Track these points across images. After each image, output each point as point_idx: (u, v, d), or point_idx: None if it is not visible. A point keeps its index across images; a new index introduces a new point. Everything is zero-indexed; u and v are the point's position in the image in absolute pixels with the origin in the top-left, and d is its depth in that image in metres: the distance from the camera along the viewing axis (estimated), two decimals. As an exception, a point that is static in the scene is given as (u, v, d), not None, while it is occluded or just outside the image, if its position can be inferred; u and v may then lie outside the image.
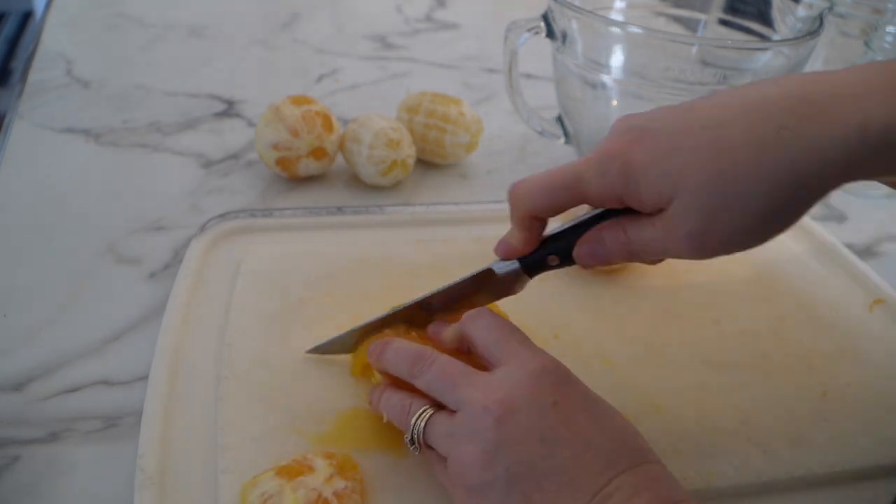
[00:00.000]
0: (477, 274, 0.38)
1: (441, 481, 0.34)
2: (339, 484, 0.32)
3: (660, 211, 0.31)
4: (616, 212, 0.34)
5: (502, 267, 0.37)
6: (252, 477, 0.33)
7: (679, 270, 0.51)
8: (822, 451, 0.38)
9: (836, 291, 0.51)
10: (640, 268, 0.51)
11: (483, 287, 0.38)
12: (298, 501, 0.31)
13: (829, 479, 0.38)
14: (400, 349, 0.36)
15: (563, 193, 0.34)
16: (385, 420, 0.35)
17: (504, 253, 0.37)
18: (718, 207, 0.30)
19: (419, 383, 0.34)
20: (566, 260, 0.36)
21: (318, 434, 0.37)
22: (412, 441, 0.34)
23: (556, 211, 0.35)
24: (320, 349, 0.41)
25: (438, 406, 0.34)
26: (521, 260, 0.37)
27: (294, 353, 0.41)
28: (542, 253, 0.36)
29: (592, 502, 0.29)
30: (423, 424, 0.33)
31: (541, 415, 0.31)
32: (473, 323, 0.36)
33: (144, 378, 0.40)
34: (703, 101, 0.32)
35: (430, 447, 0.34)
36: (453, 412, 0.33)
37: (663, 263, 0.50)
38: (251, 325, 0.43)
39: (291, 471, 0.32)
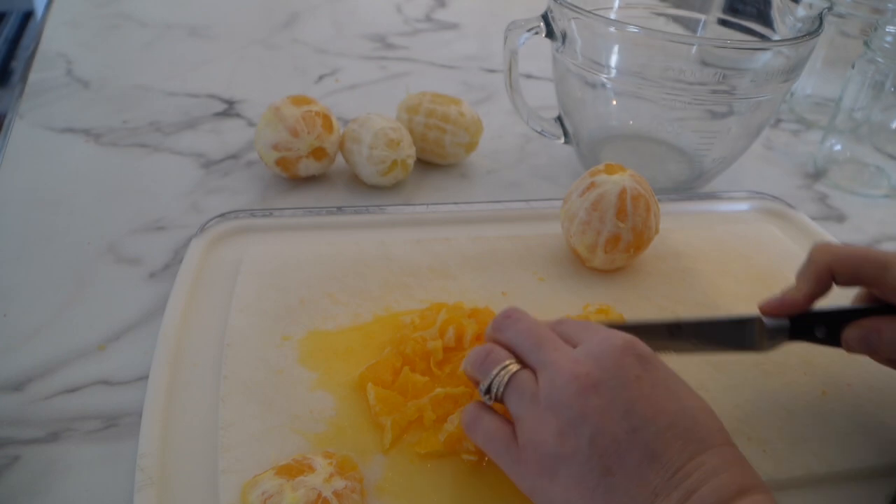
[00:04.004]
0: (742, 318, 0.37)
1: (481, 443, 0.33)
2: (339, 484, 0.32)
3: None
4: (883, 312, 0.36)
5: (772, 320, 0.37)
6: (252, 477, 0.33)
7: (678, 270, 0.51)
8: (821, 451, 0.38)
9: (836, 291, 0.51)
10: (639, 268, 0.51)
11: (737, 335, 0.37)
12: (298, 501, 0.31)
13: (829, 479, 0.38)
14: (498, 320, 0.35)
15: (870, 268, 0.35)
16: (461, 369, 0.33)
17: (778, 305, 0.37)
18: None
19: (504, 336, 0.33)
20: (831, 337, 0.37)
21: (318, 434, 0.37)
22: (488, 390, 0.32)
23: (851, 281, 0.36)
24: None
25: (521, 365, 0.33)
26: (792, 319, 0.37)
27: (294, 352, 0.41)
28: (813, 318, 0.36)
29: (672, 479, 0.29)
30: (506, 378, 0.32)
31: (625, 388, 0.30)
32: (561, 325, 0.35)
33: (144, 378, 0.40)
34: None
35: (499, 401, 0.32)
36: (534, 374, 0.32)
37: (664, 262, 0.51)
38: (251, 325, 0.43)
39: (291, 470, 0.32)
